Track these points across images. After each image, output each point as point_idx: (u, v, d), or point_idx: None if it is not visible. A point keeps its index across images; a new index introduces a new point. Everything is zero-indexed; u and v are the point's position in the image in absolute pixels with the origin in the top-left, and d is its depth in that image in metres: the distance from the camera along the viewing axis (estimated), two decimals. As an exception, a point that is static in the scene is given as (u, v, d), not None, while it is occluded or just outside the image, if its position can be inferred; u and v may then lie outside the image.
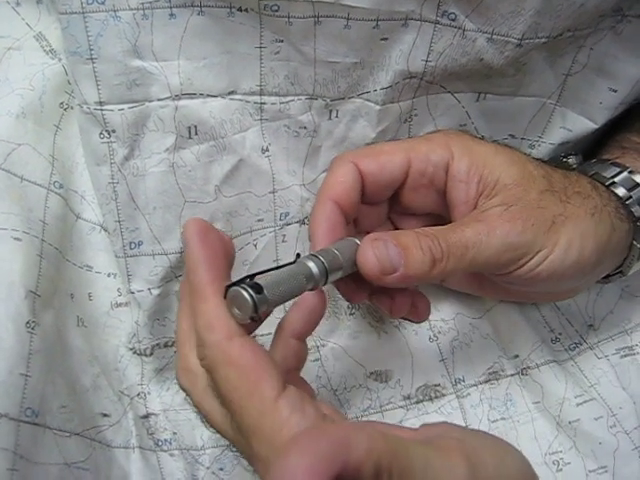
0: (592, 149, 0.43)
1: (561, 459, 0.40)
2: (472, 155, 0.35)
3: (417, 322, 0.40)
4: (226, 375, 0.26)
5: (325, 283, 0.31)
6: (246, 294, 0.27)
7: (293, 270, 0.29)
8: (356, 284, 0.35)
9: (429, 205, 0.38)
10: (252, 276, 0.28)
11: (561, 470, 0.40)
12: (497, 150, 0.35)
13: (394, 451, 0.23)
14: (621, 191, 0.36)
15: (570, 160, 0.41)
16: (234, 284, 0.27)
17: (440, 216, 0.38)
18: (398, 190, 0.37)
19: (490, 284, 0.38)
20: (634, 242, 0.36)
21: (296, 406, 0.26)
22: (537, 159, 0.37)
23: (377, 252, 0.31)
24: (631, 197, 0.36)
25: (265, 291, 0.27)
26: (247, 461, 0.29)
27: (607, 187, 0.36)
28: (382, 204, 0.38)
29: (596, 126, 0.40)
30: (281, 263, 0.33)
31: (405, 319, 0.39)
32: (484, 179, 0.34)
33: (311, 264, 0.30)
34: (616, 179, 0.37)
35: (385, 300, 0.36)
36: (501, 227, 0.32)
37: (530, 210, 0.33)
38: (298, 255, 0.31)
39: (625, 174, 0.37)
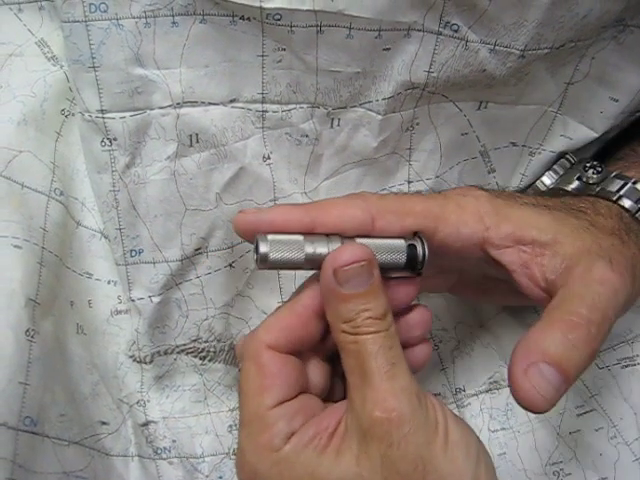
0: (602, 155, 0.43)
1: (561, 470, 0.40)
2: (511, 220, 0.32)
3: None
4: (248, 368, 0.29)
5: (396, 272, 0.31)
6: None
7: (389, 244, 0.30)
8: None
9: (452, 264, 0.36)
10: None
11: (561, 481, 0.40)
12: (552, 213, 0.33)
13: None
14: (627, 203, 0.36)
15: (590, 173, 0.39)
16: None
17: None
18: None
19: (500, 294, 0.37)
20: None
21: (286, 415, 0.28)
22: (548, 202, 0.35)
23: (536, 385, 0.28)
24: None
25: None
26: None
27: (615, 201, 0.36)
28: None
29: (597, 135, 0.40)
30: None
31: None
32: (537, 240, 0.32)
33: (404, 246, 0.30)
34: (621, 192, 0.36)
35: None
36: (622, 284, 0.30)
37: (618, 256, 0.31)
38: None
39: (629, 186, 0.36)
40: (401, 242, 0.30)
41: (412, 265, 0.30)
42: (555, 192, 0.41)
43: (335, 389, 0.33)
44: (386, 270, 0.30)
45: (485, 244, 0.32)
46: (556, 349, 0.28)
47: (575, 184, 0.40)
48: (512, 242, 0.32)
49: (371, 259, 0.28)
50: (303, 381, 0.30)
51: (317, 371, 0.31)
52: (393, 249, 0.30)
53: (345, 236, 0.30)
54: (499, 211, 0.32)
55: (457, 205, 0.32)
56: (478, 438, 0.28)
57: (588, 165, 0.40)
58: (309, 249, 0.29)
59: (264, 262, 0.28)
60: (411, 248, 0.30)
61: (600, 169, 0.40)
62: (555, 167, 0.42)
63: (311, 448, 0.27)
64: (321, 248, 0.29)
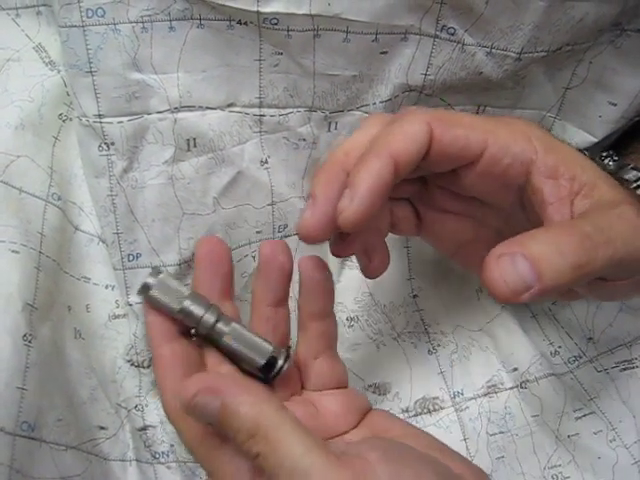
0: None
1: (560, 473, 0.40)
2: (558, 152, 0.30)
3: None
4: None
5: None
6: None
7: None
8: (343, 240, 0.33)
9: (488, 194, 0.33)
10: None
11: (560, 484, 0.40)
12: (579, 153, 0.32)
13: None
14: None
15: (606, 162, 0.38)
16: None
17: (483, 203, 0.34)
18: (458, 170, 0.32)
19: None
20: None
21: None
22: None
23: (504, 273, 0.26)
24: None
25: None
26: None
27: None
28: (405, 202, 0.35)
29: (596, 140, 0.40)
30: None
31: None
32: (579, 178, 0.30)
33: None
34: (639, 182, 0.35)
35: (363, 259, 0.34)
36: None
37: None
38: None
39: None
40: (268, 348, 0.31)
41: (266, 372, 0.31)
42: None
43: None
44: (245, 363, 0.31)
45: (531, 166, 0.30)
46: (539, 247, 0.26)
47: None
48: (555, 172, 0.30)
49: (213, 387, 0.27)
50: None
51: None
52: (257, 349, 0.31)
53: (221, 313, 0.31)
54: (548, 139, 0.31)
55: (508, 124, 0.31)
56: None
57: (604, 155, 0.38)
58: (186, 303, 0.30)
59: (143, 292, 0.30)
60: (272, 357, 0.30)
61: (617, 158, 0.39)
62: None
63: None
64: (197, 309, 0.30)
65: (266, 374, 0.31)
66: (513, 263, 0.26)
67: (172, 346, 0.30)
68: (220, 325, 0.30)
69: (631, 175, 0.37)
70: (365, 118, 0.34)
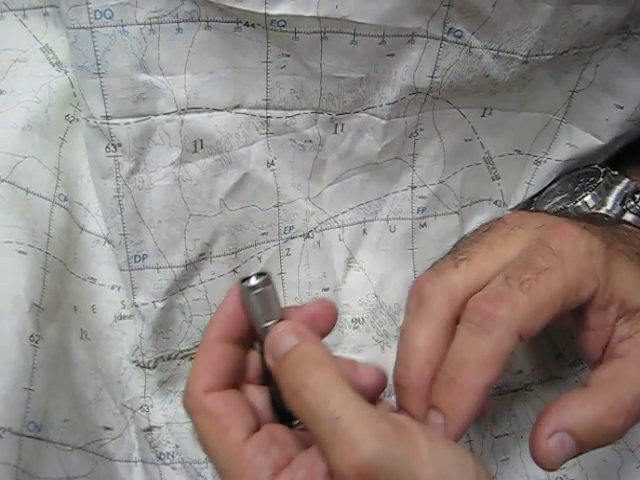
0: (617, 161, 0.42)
1: (564, 475, 0.40)
2: (615, 283, 0.31)
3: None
4: (200, 422, 0.28)
5: None
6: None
7: None
8: None
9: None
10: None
11: (565, 487, 0.40)
12: (631, 265, 0.32)
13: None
14: None
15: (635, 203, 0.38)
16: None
17: None
18: None
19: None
20: None
21: (261, 447, 0.27)
22: None
23: (552, 454, 0.29)
24: None
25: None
26: None
27: None
28: None
29: (602, 143, 0.40)
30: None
31: None
32: (625, 305, 0.31)
33: None
34: None
35: None
36: None
37: None
38: None
39: None
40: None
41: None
42: (600, 218, 0.39)
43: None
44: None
45: (591, 300, 0.30)
46: (587, 430, 0.29)
47: (611, 204, 0.39)
48: (607, 303, 0.31)
49: (288, 324, 0.28)
50: (256, 410, 0.29)
51: (258, 398, 0.30)
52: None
53: None
54: (608, 266, 0.31)
55: (577, 268, 0.30)
56: (474, 457, 0.27)
57: (638, 197, 0.39)
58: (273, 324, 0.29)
59: (245, 289, 0.29)
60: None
61: (616, 173, 0.39)
62: (600, 188, 0.40)
63: None
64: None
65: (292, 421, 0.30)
66: (561, 443, 0.29)
67: (227, 346, 0.29)
68: None
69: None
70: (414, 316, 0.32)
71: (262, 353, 0.29)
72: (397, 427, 0.25)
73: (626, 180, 0.40)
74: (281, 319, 0.29)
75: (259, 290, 0.29)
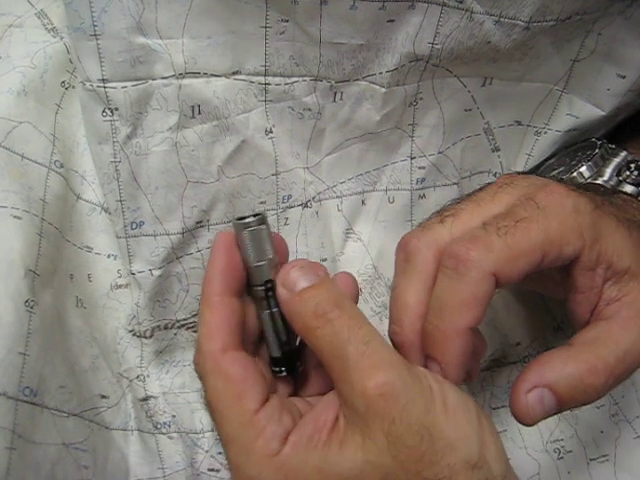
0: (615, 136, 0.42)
1: (562, 447, 0.40)
2: (602, 243, 0.30)
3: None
4: (214, 384, 0.28)
5: None
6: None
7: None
8: None
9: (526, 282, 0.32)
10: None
11: (562, 458, 0.40)
12: (631, 233, 0.32)
13: None
14: None
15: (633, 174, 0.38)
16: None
17: None
18: None
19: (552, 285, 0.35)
20: None
21: (273, 416, 0.27)
22: None
23: (531, 410, 0.29)
24: None
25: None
26: None
27: None
28: None
29: (603, 113, 0.39)
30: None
31: None
32: (613, 267, 0.31)
33: None
34: None
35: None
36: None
37: None
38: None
39: None
40: (278, 350, 0.31)
41: (273, 365, 0.31)
42: (596, 188, 0.39)
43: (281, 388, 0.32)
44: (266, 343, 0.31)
45: (577, 259, 0.30)
46: (567, 386, 0.29)
47: (608, 175, 0.39)
48: (595, 264, 0.30)
49: (305, 261, 0.30)
50: (266, 377, 0.29)
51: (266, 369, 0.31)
52: (276, 343, 0.31)
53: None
54: (596, 227, 0.30)
55: (560, 223, 0.30)
56: (474, 400, 0.28)
57: (633, 166, 0.38)
58: (264, 264, 0.30)
59: (238, 225, 0.30)
60: (279, 358, 0.31)
61: (613, 147, 0.39)
62: (595, 159, 0.40)
63: (312, 446, 0.26)
64: (266, 274, 0.30)
65: (273, 367, 0.31)
66: (540, 399, 0.29)
67: (233, 300, 0.29)
68: (271, 301, 0.30)
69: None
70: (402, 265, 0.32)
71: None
72: (413, 366, 0.28)
73: (624, 153, 0.40)
74: (273, 258, 0.30)
75: (253, 228, 0.29)
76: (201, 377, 0.29)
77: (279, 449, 0.26)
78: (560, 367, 0.29)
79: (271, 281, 0.30)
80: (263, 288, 0.30)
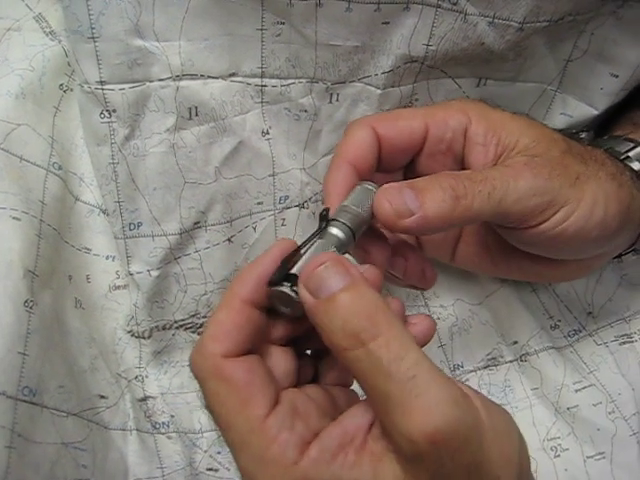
0: (603, 126, 0.42)
1: (559, 445, 0.40)
2: (489, 119, 0.34)
3: (423, 289, 0.38)
4: (216, 390, 0.26)
5: (355, 243, 0.30)
6: (286, 290, 0.27)
7: (323, 244, 0.29)
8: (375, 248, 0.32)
9: None
10: (286, 263, 0.27)
11: (559, 456, 0.40)
12: (514, 116, 0.34)
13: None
14: (636, 165, 0.35)
15: (583, 136, 0.40)
16: (272, 283, 0.27)
17: None
18: (414, 157, 0.35)
19: (503, 259, 0.36)
20: None
21: (285, 423, 0.25)
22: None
23: (390, 198, 0.29)
24: None
25: None
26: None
27: (621, 161, 0.36)
28: (397, 173, 0.37)
29: (597, 112, 0.40)
30: (308, 234, 0.32)
31: (412, 287, 0.36)
32: (502, 141, 0.33)
33: (336, 231, 0.29)
34: (630, 153, 0.36)
35: (399, 263, 0.34)
36: (529, 171, 0.31)
37: (554, 163, 0.32)
38: (322, 216, 0.30)
39: (639, 149, 0.36)
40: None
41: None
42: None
43: (302, 371, 0.30)
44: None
45: (467, 137, 0.34)
46: (423, 182, 0.30)
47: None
48: (485, 139, 0.33)
49: (334, 257, 0.26)
50: (275, 378, 0.27)
51: (280, 361, 0.28)
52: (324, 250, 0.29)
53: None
54: (482, 109, 0.34)
55: (444, 106, 0.35)
56: (515, 423, 0.26)
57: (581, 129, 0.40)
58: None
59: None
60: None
61: (592, 134, 0.40)
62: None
63: (339, 463, 0.24)
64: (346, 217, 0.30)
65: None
66: (399, 191, 0.29)
67: (254, 311, 0.27)
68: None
69: (623, 146, 0.37)
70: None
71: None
72: (464, 394, 0.24)
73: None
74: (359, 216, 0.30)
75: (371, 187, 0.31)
76: (199, 379, 0.27)
77: (296, 459, 0.25)
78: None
79: (326, 209, 0.30)
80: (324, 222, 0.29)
